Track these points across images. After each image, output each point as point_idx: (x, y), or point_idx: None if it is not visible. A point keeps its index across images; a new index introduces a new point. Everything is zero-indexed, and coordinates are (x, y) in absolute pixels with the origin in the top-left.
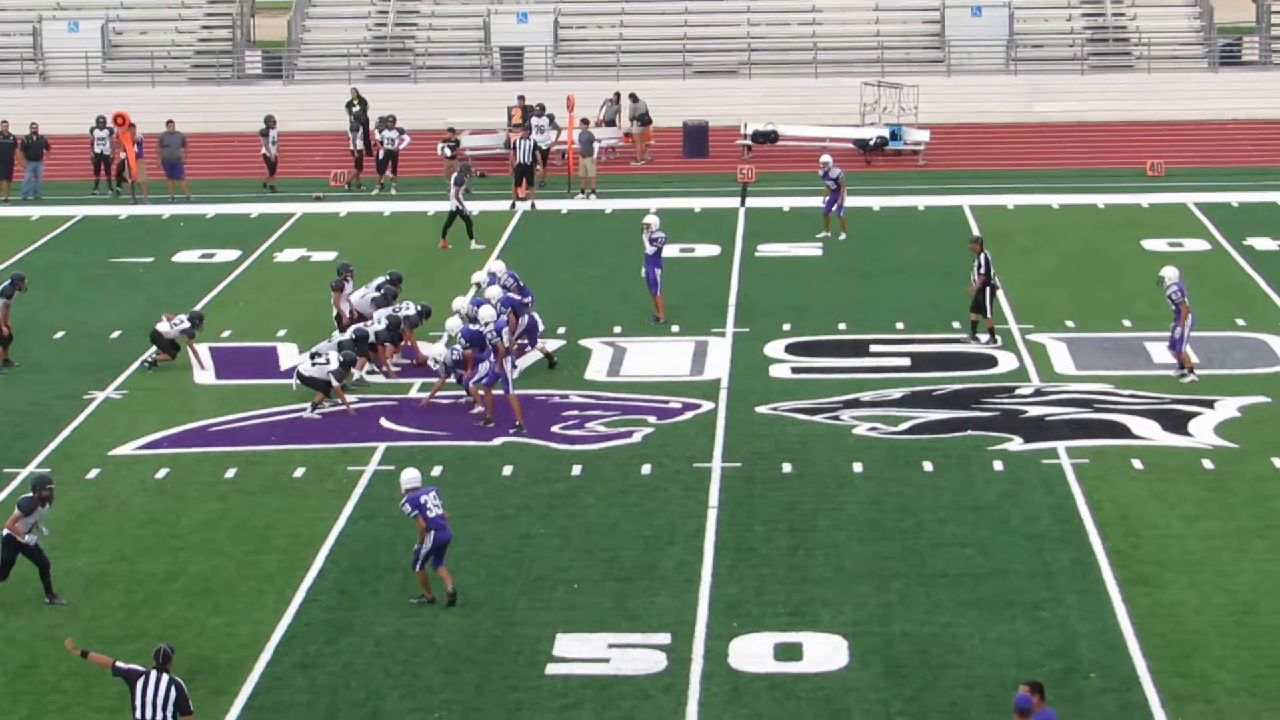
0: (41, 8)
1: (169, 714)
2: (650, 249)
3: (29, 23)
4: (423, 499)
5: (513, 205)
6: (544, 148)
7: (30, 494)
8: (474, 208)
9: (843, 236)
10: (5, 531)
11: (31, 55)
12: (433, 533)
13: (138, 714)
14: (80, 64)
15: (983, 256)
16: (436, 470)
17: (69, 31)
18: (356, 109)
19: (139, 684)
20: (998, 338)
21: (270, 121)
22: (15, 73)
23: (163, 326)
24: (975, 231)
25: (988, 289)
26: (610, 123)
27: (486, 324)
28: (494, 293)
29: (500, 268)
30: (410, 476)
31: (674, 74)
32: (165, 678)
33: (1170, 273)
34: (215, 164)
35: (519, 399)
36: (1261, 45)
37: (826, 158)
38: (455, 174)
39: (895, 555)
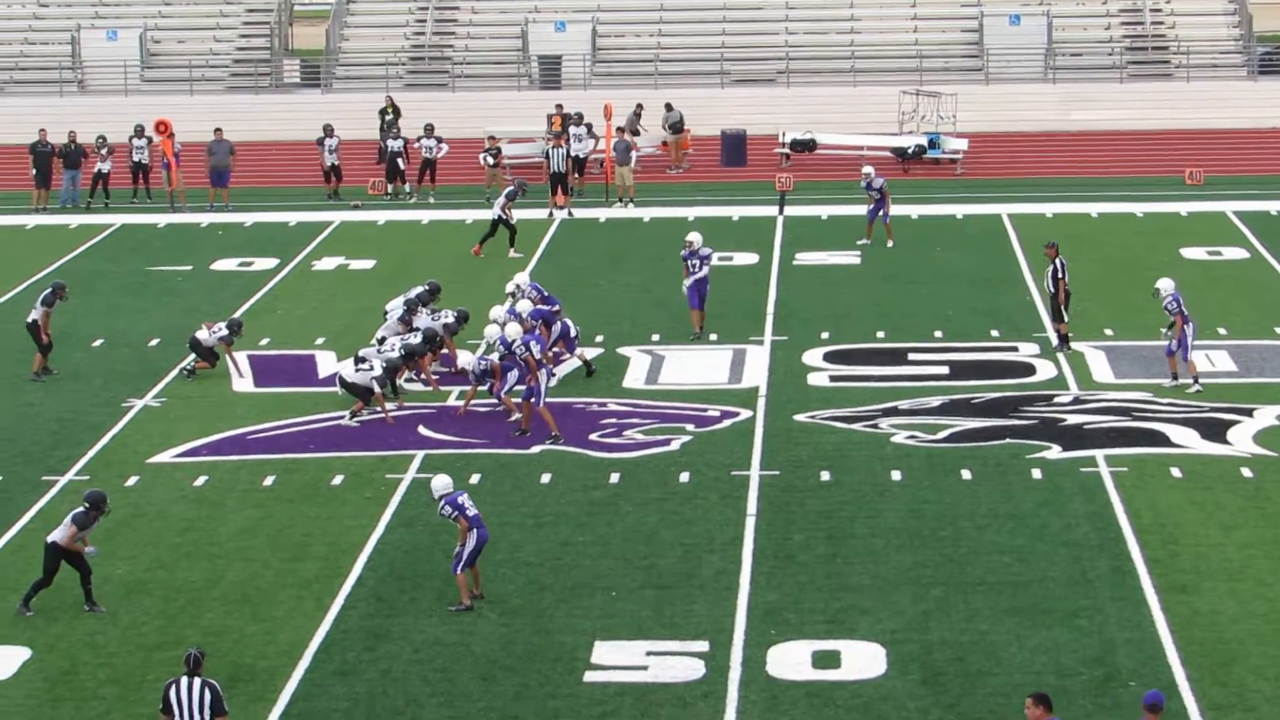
0: (80, 16)
1: (205, 717)
2: (703, 270)
3: (67, 31)
4: (460, 499)
5: (550, 213)
6: (582, 157)
7: (85, 509)
8: (515, 214)
9: (890, 244)
10: (50, 539)
11: (70, 64)
12: (474, 532)
13: None
14: (118, 72)
15: (1058, 261)
16: (475, 478)
17: (107, 40)
18: (389, 117)
19: (172, 692)
20: (1069, 345)
21: (329, 130)
22: (54, 81)
23: (201, 334)
24: (1015, 240)
25: (1063, 295)
26: (635, 133)
27: (513, 340)
28: (524, 306)
29: (524, 280)
30: (443, 482)
31: (712, 82)
32: (198, 681)
33: (1166, 284)
34: (253, 172)
35: (554, 408)
36: None
37: (868, 169)
38: (509, 189)
39: (933, 563)
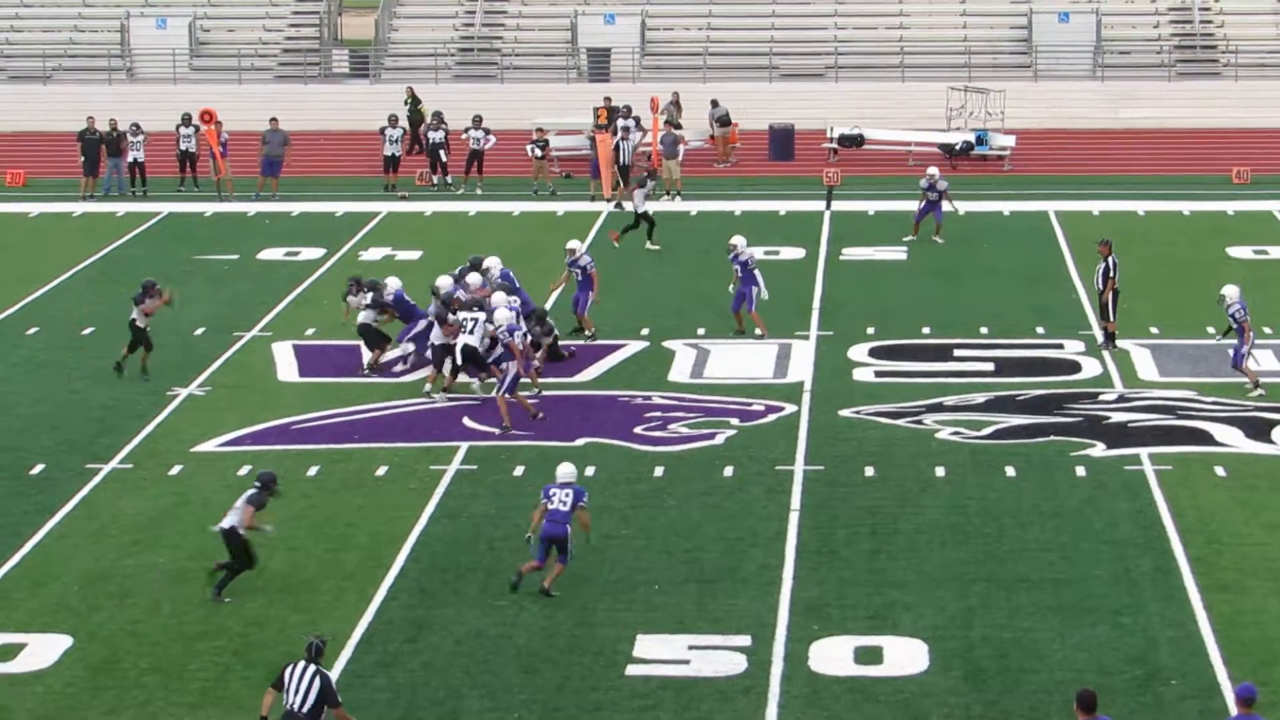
0: (129, 4)
1: (310, 702)
2: (744, 273)
3: (116, 19)
4: (552, 490)
5: (618, 204)
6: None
7: (258, 489)
8: (561, 207)
9: (938, 240)
10: (223, 526)
11: (119, 52)
12: (545, 523)
13: (285, 702)
14: (167, 61)
15: (1110, 260)
16: (519, 470)
17: (156, 28)
18: (408, 107)
19: (287, 673)
20: (1115, 344)
21: (393, 120)
22: (103, 69)
23: (364, 315)
24: (1062, 237)
25: (1110, 294)
26: (677, 125)
27: (499, 326)
28: (474, 280)
29: (495, 264)
30: (564, 470)
31: (760, 77)
32: (312, 668)
33: (1231, 291)
34: (302, 162)
35: (599, 401)
36: None
37: (933, 170)
38: (638, 181)
39: (976, 560)
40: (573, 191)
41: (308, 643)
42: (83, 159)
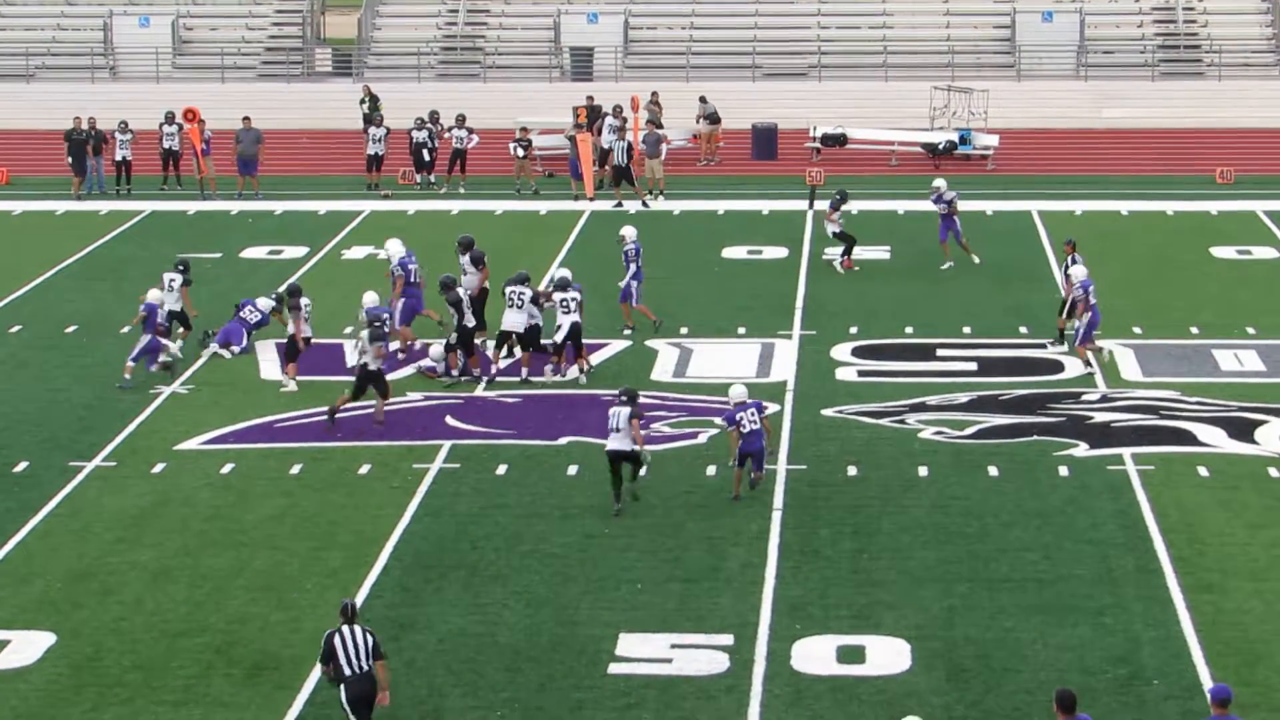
0: (112, 3)
1: (368, 660)
2: (630, 266)
3: (100, 17)
4: (738, 415)
5: (619, 204)
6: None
7: (629, 400)
8: (544, 206)
9: (976, 260)
10: (624, 448)
11: (102, 50)
12: (743, 444)
13: (345, 670)
14: (150, 59)
15: (1068, 259)
16: (501, 469)
17: (139, 27)
18: (365, 107)
19: (337, 641)
20: (1062, 342)
21: (377, 119)
22: (85, 67)
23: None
24: (1044, 237)
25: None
26: (658, 125)
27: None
28: (393, 247)
29: (395, 247)
30: (737, 391)
31: (744, 76)
32: (358, 629)
33: (1078, 271)
34: (284, 161)
35: (581, 400)
36: None
37: (940, 181)
38: (833, 200)
39: (959, 559)
40: (556, 191)
41: (342, 605)
42: (70, 158)
